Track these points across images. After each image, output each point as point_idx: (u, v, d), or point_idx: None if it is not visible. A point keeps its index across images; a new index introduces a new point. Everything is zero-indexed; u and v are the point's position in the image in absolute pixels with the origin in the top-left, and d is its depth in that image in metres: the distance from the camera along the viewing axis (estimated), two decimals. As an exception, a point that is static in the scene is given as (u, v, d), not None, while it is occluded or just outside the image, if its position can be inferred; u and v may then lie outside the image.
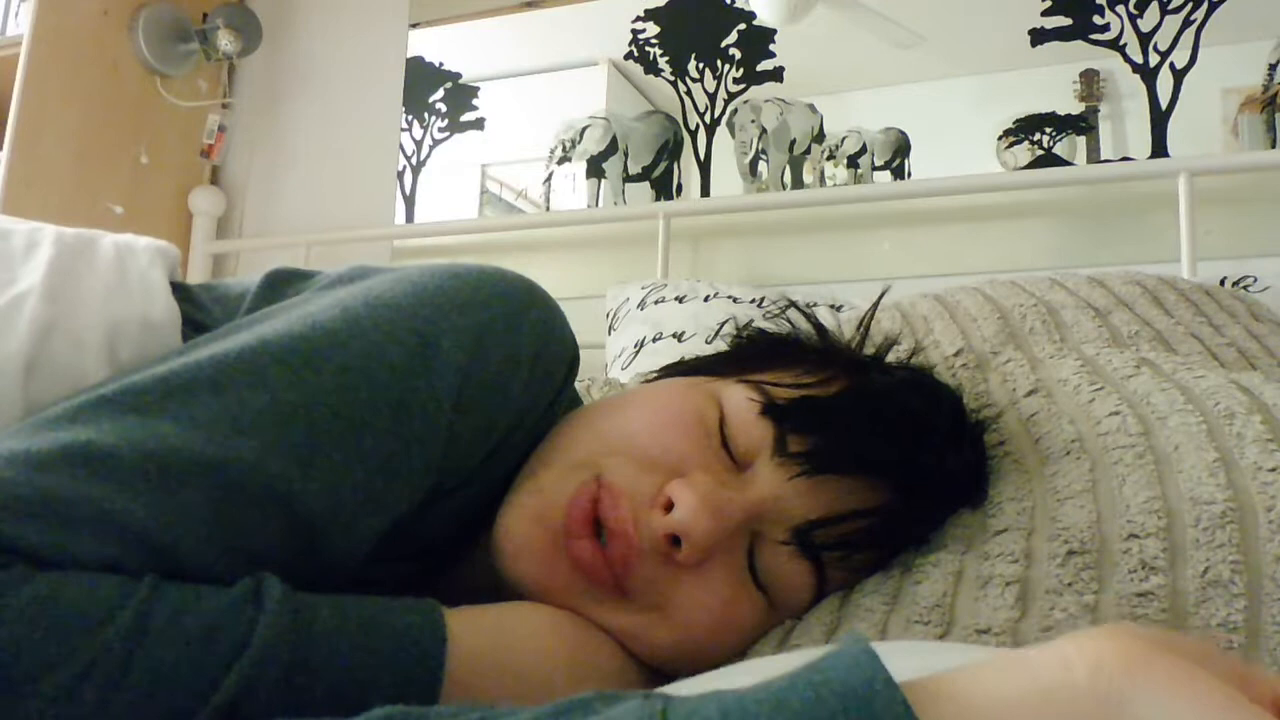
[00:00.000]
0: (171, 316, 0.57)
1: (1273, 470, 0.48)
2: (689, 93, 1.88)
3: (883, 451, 0.53)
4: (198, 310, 0.60)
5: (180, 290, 0.61)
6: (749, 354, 0.63)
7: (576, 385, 0.66)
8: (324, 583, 0.48)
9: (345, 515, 0.47)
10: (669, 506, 0.50)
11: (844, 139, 1.77)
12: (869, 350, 0.65)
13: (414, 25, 2.13)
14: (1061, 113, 1.61)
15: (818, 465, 0.52)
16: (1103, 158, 1.59)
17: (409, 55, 2.13)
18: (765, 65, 1.82)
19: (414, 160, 2.09)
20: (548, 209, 1.97)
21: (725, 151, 1.84)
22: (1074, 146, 1.61)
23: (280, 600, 0.43)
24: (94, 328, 0.54)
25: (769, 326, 0.67)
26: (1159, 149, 1.53)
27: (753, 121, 1.80)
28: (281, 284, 0.60)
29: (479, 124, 2.07)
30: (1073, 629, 0.43)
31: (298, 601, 0.43)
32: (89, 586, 0.39)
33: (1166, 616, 0.43)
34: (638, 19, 1.91)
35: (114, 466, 0.42)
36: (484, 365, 0.50)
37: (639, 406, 0.57)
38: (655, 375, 0.69)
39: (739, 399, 0.55)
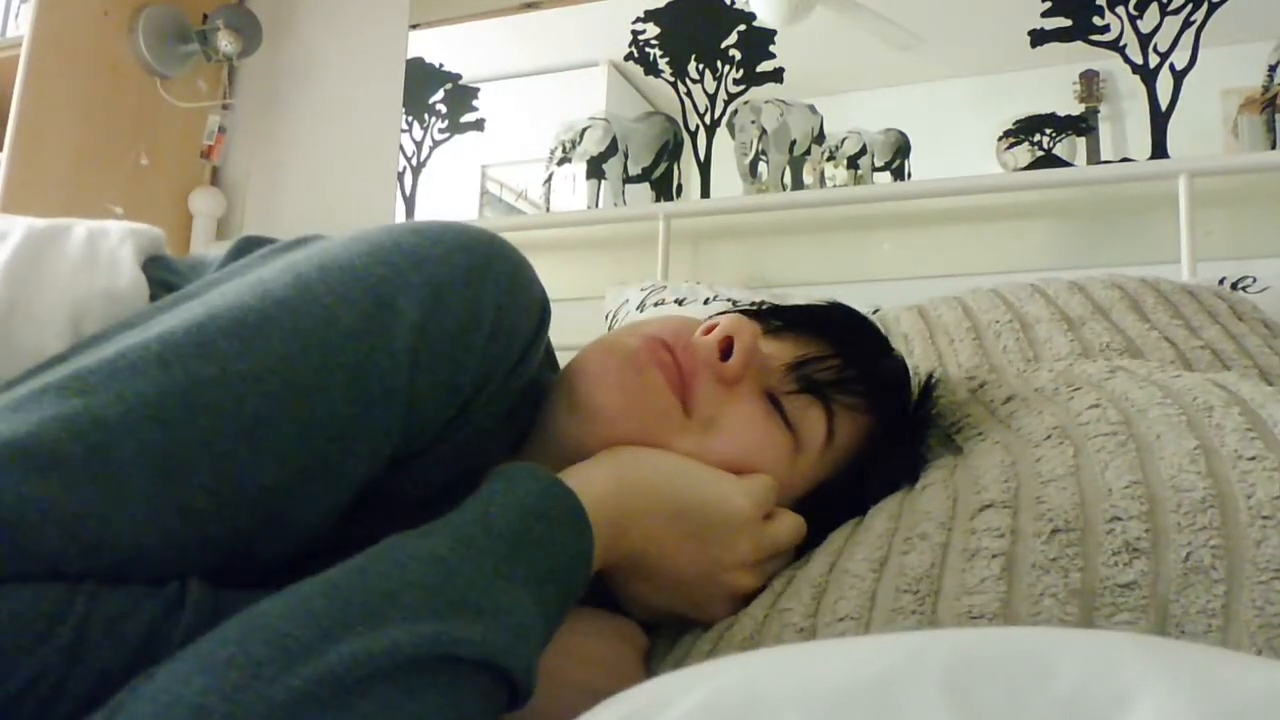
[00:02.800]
0: (137, 287, 0.57)
1: (1252, 459, 0.49)
2: (689, 94, 1.88)
3: (833, 315, 0.69)
4: (174, 276, 0.60)
5: (160, 262, 0.61)
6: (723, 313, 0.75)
7: None
8: (302, 553, 0.48)
9: (301, 488, 0.46)
10: (709, 333, 0.62)
11: (844, 140, 1.77)
12: None
13: (414, 26, 2.14)
14: (1061, 114, 1.61)
15: (791, 324, 0.67)
16: (1103, 159, 1.58)
17: (409, 56, 2.13)
18: (765, 66, 1.83)
19: (414, 161, 2.10)
20: (548, 210, 1.97)
21: (725, 152, 1.84)
22: (1074, 147, 1.61)
23: (198, 603, 0.42)
24: (57, 304, 0.54)
25: None
26: (1159, 150, 1.53)
27: (753, 122, 1.80)
28: (250, 248, 0.59)
29: (479, 125, 2.08)
30: (1060, 614, 0.44)
31: (218, 600, 0.43)
32: (27, 601, 0.38)
33: (1148, 603, 0.44)
34: (638, 20, 1.91)
35: (56, 461, 0.40)
36: (443, 321, 0.49)
37: (647, 318, 0.71)
38: None
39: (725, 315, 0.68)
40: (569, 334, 1.10)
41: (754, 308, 0.70)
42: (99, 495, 0.41)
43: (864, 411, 0.64)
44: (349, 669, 0.38)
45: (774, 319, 0.68)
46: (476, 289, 0.50)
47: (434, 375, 0.49)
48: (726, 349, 0.61)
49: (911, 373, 0.72)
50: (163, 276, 0.60)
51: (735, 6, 1.85)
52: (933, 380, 0.72)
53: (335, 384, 0.46)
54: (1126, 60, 1.56)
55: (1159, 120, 1.54)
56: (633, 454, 0.57)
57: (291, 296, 0.47)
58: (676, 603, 0.58)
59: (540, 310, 0.55)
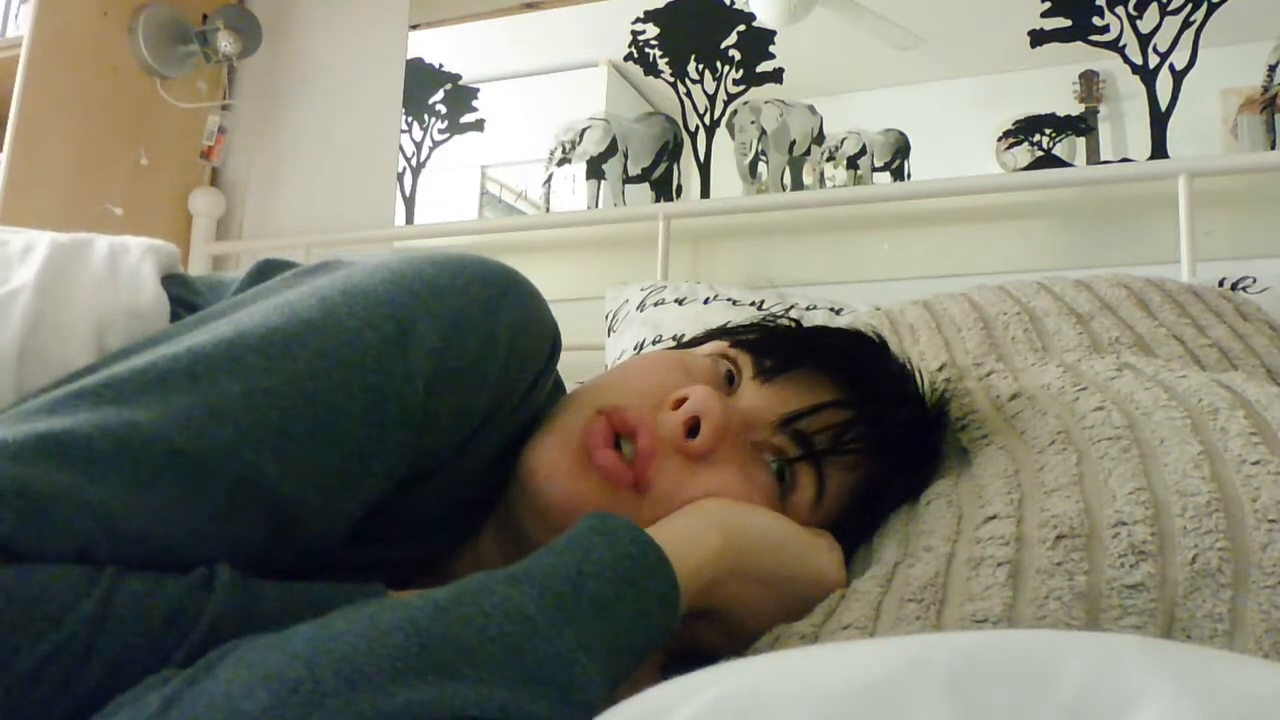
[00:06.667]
0: (159, 305, 0.60)
1: (1256, 463, 0.49)
2: (689, 94, 1.88)
3: (834, 346, 0.65)
4: (194, 295, 0.62)
5: (178, 280, 0.63)
6: (716, 333, 0.72)
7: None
8: (310, 568, 0.50)
9: (318, 499, 0.48)
10: (679, 406, 0.58)
11: (844, 140, 1.77)
12: None
13: (414, 26, 2.13)
14: (1061, 114, 1.61)
15: (786, 365, 0.62)
16: (1102, 159, 1.58)
17: (409, 56, 2.13)
18: (765, 66, 1.82)
19: (414, 161, 2.09)
20: (547, 210, 1.97)
21: (725, 153, 1.84)
22: (1073, 148, 1.61)
23: (229, 584, 0.44)
24: (82, 319, 0.56)
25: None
26: (1159, 150, 1.53)
27: (752, 123, 1.80)
28: (270, 272, 0.61)
29: (479, 125, 2.07)
30: (1066, 617, 0.44)
31: (247, 585, 0.45)
32: (55, 575, 0.40)
33: (1155, 606, 0.44)
34: (637, 20, 1.91)
35: (88, 456, 0.42)
36: (460, 349, 0.51)
37: (624, 366, 0.66)
38: None
39: (713, 345, 0.66)
40: (569, 335, 1.10)
41: (750, 337, 0.67)
42: (128, 489, 0.43)
43: (863, 467, 0.62)
44: (413, 717, 0.38)
45: (770, 356, 0.63)
46: (493, 320, 0.53)
47: (449, 400, 0.52)
48: (694, 426, 0.58)
49: (920, 375, 0.69)
50: (182, 295, 0.62)
51: (735, 6, 1.85)
52: (944, 409, 0.69)
53: (355, 403, 0.48)
54: (1126, 60, 1.56)
55: (1159, 120, 1.54)
56: (736, 513, 0.56)
57: (317, 318, 0.50)
58: (726, 645, 0.57)
59: (552, 342, 0.58)
